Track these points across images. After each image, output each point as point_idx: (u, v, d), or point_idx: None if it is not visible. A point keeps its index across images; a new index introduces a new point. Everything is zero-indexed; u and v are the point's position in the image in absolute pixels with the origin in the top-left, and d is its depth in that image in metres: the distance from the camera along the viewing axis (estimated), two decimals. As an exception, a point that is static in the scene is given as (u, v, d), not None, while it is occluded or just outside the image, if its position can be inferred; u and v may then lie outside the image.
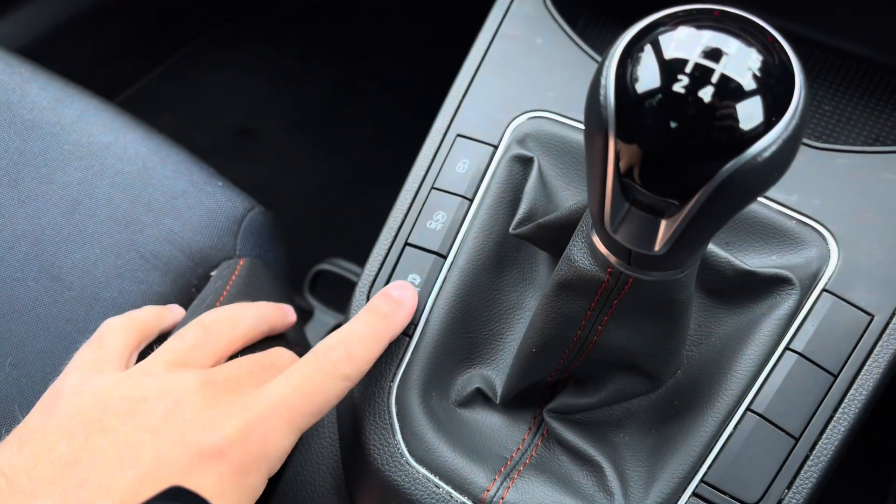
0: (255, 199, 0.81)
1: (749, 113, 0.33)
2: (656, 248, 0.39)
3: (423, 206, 0.63)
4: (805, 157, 0.59)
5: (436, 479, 0.56)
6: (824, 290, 0.55)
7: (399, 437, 0.58)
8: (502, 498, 0.54)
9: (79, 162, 0.76)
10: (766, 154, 0.34)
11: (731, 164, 0.34)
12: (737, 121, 0.33)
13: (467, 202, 0.62)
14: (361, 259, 0.66)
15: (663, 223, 0.38)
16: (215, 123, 1.50)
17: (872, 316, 0.55)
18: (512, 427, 0.60)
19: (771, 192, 0.59)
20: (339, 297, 1.25)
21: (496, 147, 0.64)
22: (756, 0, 0.83)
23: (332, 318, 1.22)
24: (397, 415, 0.58)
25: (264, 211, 0.81)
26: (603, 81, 0.35)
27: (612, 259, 0.45)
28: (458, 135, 0.65)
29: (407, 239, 0.63)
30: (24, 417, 0.52)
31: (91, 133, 0.78)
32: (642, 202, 0.37)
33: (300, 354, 0.56)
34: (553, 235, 0.57)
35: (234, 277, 0.73)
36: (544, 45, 0.68)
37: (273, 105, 1.56)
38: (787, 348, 0.54)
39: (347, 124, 1.56)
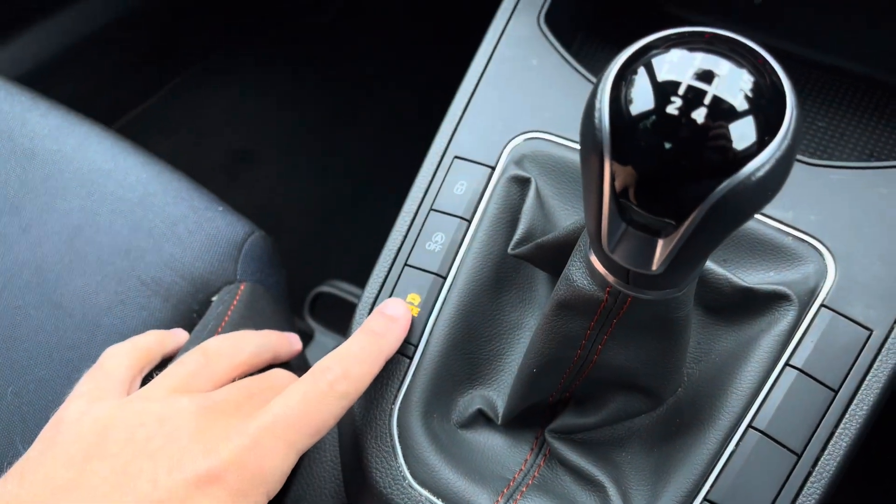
0: (252, 220, 0.81)
1: (741, 133, 0.34)
2: (654, 267, 0.40)
3: (421, 227, 0.64)
4: (800, 174, 0.60)
5: (438, 502, 0.56)
6: (822, 305, 0.56)
7: (401, 459, 0.58)
8: (506, 519, 0.54)
9: (80, 189, 0.77)
10: (760, 174, 0.34)
11: (725, 184, 0.34)
12: (730, 141, 0.34)
13: (466, 223, 0.63)
14: (360, 280, 0.66)
15: (660, 242, 0.38)
16: (213, 147, 1.51)
17: (871, 330, 0.55)
18: (514, 448, 0.60)
19: (767, 209, 0.59)
20: (339, 320, 1.25)
21: (493, 168, 0.64)
22: (750, 21, 0.84)
23: (332, 341, 1.22)
24: (399, 437, 0.58)
25: (264, 235, 0.81)
26: (597, 104, 0.36)
27: (611, 278, 0.45)
28: (456, 157, 0.66)
29: (406, 260, 0.63)
30: (24, 448, 0.52)
31: (92, 160, 0.78)
32: (639, 222, 0.38)
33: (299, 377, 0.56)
34: (551, 255, 0.58)
35: (235, 302, 0.73)
36: (540, 67, 0.69)
37: (272, 124, 1.57)
38: (786, 364, 0.54)
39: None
